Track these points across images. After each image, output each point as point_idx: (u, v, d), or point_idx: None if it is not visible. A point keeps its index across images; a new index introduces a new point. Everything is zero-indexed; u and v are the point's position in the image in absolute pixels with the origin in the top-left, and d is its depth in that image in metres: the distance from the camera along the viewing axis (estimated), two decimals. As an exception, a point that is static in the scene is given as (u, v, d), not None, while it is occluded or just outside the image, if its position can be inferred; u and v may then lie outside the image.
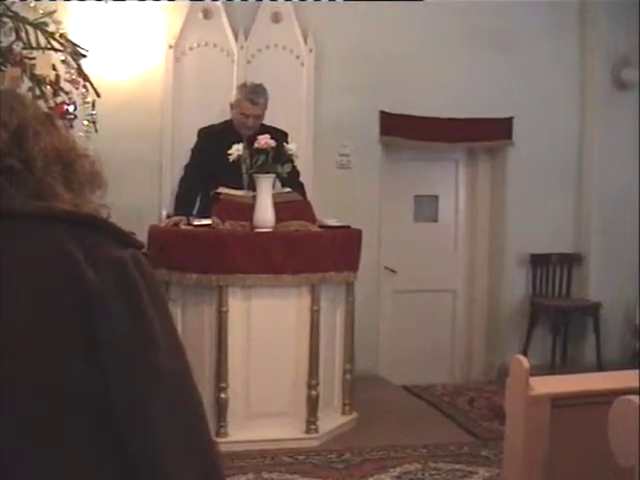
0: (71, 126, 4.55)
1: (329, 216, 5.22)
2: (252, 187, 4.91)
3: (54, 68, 4.59)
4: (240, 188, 5.07)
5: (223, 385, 4.65)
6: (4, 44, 4.46)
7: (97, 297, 1.06)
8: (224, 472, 1.17)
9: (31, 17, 4.59)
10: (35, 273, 1.06)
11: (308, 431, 4.82)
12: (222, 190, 4.96)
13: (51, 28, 4.60)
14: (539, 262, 6.89)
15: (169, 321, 1.15)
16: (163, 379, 1.09)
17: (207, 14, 6.06)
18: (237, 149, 4.81)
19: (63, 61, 4.64)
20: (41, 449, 1.06)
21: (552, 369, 6.33)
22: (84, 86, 4.67)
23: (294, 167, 5.01)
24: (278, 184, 5.10)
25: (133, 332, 1.08)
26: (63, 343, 1.06)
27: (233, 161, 4.83)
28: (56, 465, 1.07)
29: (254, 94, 5.27)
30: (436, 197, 7.03)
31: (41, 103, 4.48)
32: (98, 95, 4.70)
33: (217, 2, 6.04)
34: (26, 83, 4.47)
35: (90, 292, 1.06)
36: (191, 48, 6.05)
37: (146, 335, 1.09)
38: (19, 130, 1.17)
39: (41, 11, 4.65)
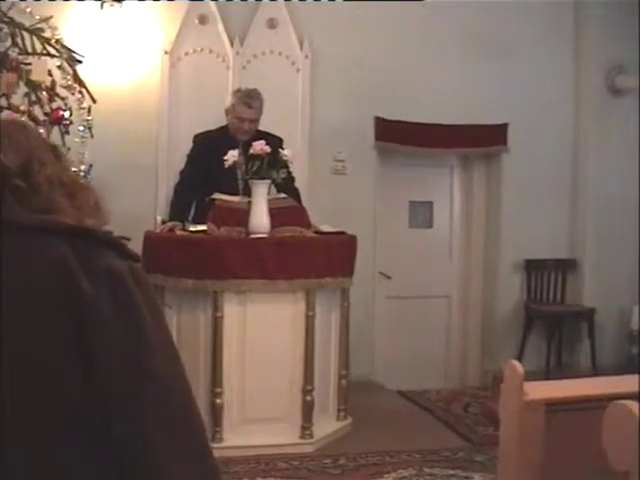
0: (67, 132, 4.56)
1: (324, 222, 5.22)
2: (247, 193, 4.92)
3: (50, 74, 4.59)
4: (235, 194, 5.08)
5: (218, 390, 4.64)
6: (0, 50, 4.46)
7: (93, 308, 1.07)
8: (222, 477, 1.17)
9: (27, 23, 4.60)
10: (32, 288, 1.07)
11: (303, 436, 4.82)
12: (217, 196, 4.97)
13: (47, 34, 4.60)
14: (534, 268, 6.91)
15: (166, 330, 1.16)
16: (159, 382, 1.10)
17: (203, 20, 6.06)
18: (232, 155, 4.81)
19: (59, 67, 4.65)
20: (43, 457, 1.06)
21: (547, 374, 6.33)
22: (80, 92, 4.67)
23: (289, 173, 5.01)
24: (273, 190, 5.10)
25: (130, 340, 1.08)
26: (61, 359, 1.06)
27: (229, 167, 4.83)
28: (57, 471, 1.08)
29: (249, 98, 5.28)
30: (431, 203, 7.03)
31: (37, 109, 4.48)
32: (94, 101, 4.71)
33: (213, 7, 6.04)
34: (22, 89, 4.48)
35: (86, 303, 1.06)
36: (187, 54, 6.06)
37: (143, 343, 1.09)
38: (26, 161, 1.18)
39: (37, 17, 4.65)
